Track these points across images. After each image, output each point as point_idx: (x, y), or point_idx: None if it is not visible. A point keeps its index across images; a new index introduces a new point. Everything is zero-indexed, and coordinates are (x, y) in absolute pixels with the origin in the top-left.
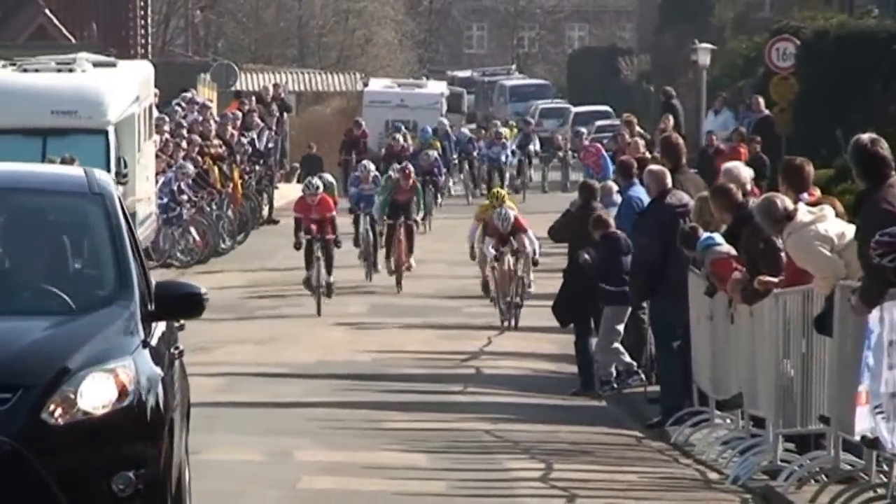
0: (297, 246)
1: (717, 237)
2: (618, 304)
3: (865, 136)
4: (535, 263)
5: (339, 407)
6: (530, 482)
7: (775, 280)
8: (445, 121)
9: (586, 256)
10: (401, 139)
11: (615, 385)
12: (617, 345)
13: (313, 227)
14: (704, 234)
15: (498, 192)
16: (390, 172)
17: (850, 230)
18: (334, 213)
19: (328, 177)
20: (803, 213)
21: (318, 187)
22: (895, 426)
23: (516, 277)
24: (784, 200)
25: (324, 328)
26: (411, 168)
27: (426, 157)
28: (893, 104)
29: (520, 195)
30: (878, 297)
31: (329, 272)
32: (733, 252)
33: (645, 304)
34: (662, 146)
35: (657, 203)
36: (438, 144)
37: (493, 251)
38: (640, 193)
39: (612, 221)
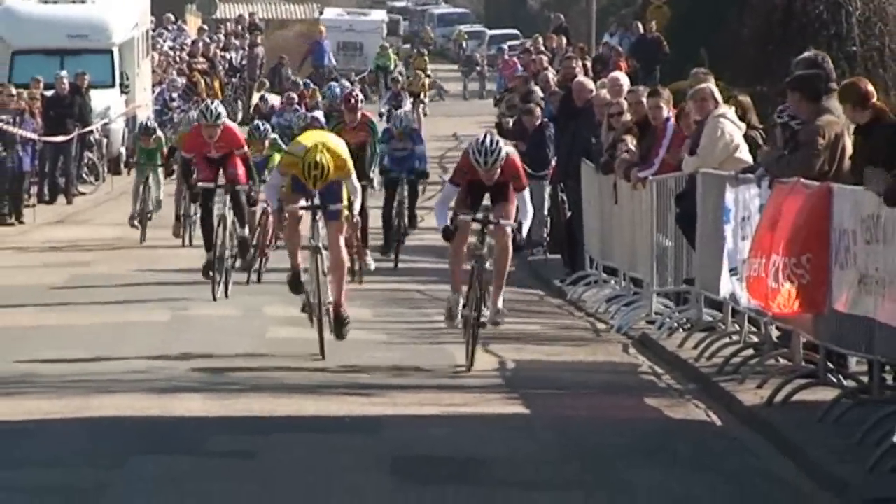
0: (195, 197)
1: None
2: (537, 181)
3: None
4: (520, 248)
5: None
6: (452, 331)
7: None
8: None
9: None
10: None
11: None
12: (546, 214)
13: (210, 178)
14: None
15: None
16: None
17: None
18: (245, 148)
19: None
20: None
21: (218, 115)
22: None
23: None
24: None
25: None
26: (358, 94)
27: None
28: (745, 27)
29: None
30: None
31: (243, 223)
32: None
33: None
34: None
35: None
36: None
37: (440, 219)
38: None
39: (539, 113)
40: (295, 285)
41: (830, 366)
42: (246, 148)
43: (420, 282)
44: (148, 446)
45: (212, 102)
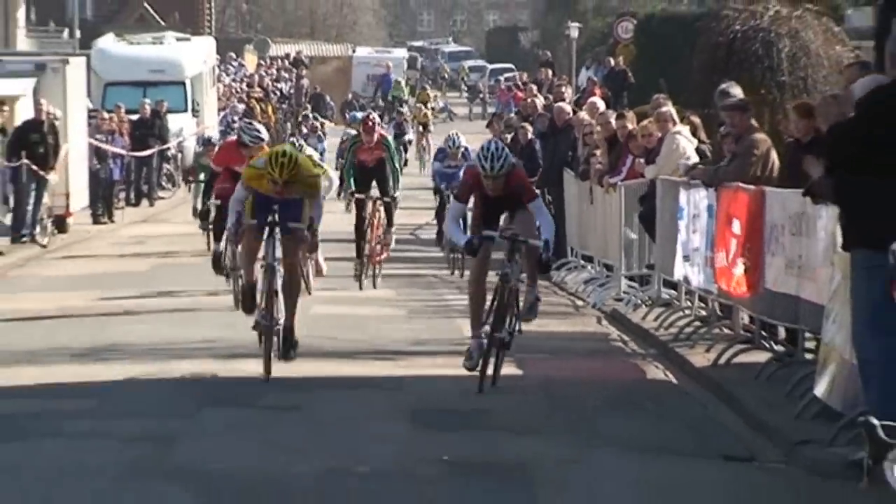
0: (200, 213)
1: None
2: None
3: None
4: (546, 268)
5: (335, 260)
6: (460, 307)
7: (615, 179)
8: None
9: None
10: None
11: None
12: None
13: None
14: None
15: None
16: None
17: (693, 154)
18: None
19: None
20: (681, 128)
21: (260, 136)
22: (697, 269)
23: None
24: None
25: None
26: (376, 117)
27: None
28: (695, 61)
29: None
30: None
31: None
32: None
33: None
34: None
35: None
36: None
37: (457, 236)
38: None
39: (530, 132)
40: (247, 302)
41: (764, 334)
42: None
43: (436, 268)
44: (215, 401)
45: (250, 124)
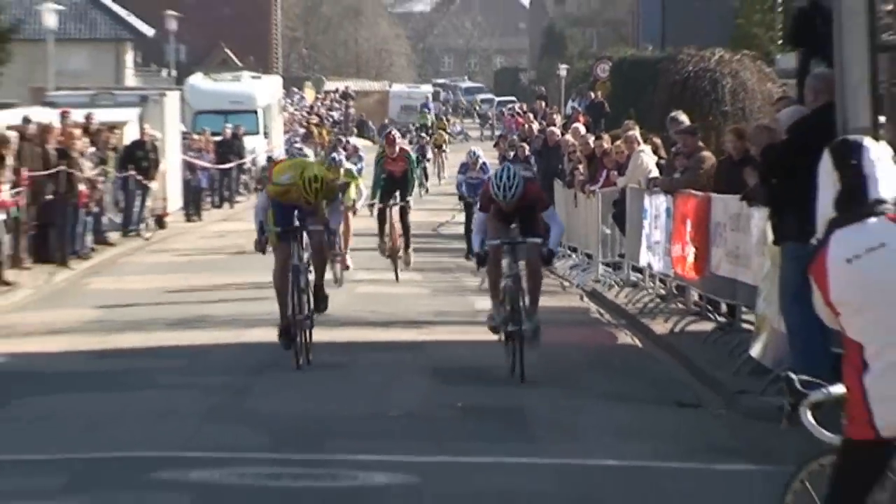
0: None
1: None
2: None
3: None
4: (548, 261)
5: (371, 251)
6: (473, 287)
7: (593, 187)
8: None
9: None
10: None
11: None
12: None
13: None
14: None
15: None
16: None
17: (654, 168)
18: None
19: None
20: (645, 148)
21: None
22: (658, 258)
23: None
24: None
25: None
26: (396, 132)
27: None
28: (657, 98)
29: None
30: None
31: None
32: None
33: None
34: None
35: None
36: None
37: (475, 246)
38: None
39: (528, 150)
40: (286, 338)
41: (710, 308)
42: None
43: (454, 256)
44: (278, 361)
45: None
